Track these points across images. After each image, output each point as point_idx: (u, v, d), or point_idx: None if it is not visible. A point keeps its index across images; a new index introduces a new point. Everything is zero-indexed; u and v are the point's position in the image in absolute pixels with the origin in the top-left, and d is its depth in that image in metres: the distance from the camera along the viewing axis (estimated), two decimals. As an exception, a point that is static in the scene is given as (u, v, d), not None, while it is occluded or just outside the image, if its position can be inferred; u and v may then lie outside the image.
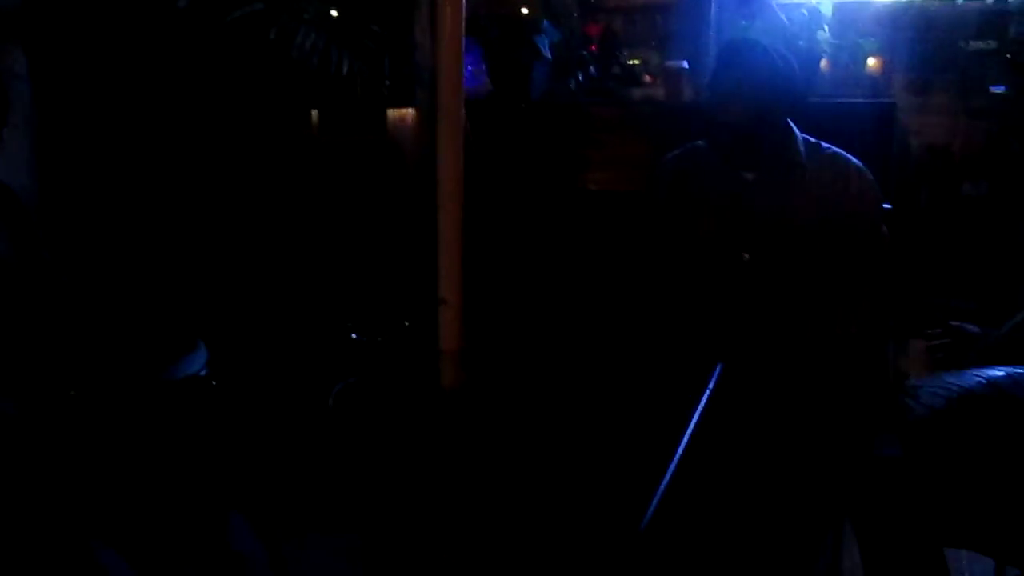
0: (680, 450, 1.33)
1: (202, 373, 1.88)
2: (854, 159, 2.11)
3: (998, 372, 1.34)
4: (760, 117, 2.03)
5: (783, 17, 3.28)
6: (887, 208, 2.18)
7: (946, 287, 3.51)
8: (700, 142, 2.23)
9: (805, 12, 3.30)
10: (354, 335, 1.65)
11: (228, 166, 3.21)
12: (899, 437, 1.50)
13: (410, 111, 3.34)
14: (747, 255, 2.09)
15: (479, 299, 2.00)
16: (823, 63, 3.30)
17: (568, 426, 1.50)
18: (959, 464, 1.31)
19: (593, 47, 3.60)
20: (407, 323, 1.64)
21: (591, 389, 1.70)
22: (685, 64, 3.32)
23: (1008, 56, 3.46)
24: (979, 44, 3.52)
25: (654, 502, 1.20)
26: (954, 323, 1.83)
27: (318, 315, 2.71)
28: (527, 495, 1.28)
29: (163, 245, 3.11)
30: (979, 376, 1.34)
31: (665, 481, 1.24)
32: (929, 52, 3.53)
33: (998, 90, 3.48)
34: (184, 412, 1.76)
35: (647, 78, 3.55)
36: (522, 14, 3.51)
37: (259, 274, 3.09)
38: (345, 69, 3.01)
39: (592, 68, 3.51)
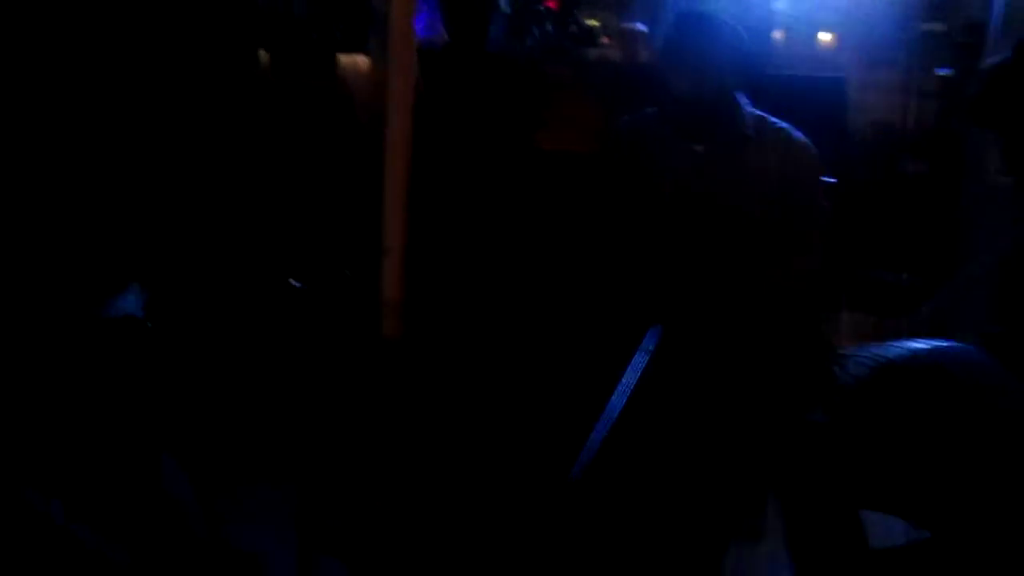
0: (615, 406, 1.36)
1: (137, 314, 1.85)
2: (799, 133, 2.15)
3: (920, 344, 1.38)
4: (709, 91, 2.05)
5: (739, -13, 3.28)
6: (831, 182, 2.22)
7: (882, 261, 3.61)
8: (652, 109, 2.24)
9: (762, -17, 3.31)
10: (294, 282, 1.63)
11: (170, 102, 3.11)
12: (825, 405, 1.54)
13: (362, 57, 3.27)
14: (694, 225, 2.11)
15: (423, 250, 1.99)
16: (777, 35, 3.32)
17: (508, 378, 1.52)
18: (879, 431, 1.36)
19: (551, 4, 3.58)
20: (349, 272, 1.62)
21: (532, 344, 1.71)
22: (642, 27, 3.32)
23: (956, 39, 3.52)
24: (929, 26, 3.58)
25: (587, 454, 1.23)
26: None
27: (258, 261, 2.67)
28: (465, 444, 1.29)
29: (100, 184, 3.01)
30: (901, 347, 1.39)
31: (599, 434, 1.27)
32: (881, 30, 3.58)
33: (944, 72, 3.55)
34: (117, 352, 1.73)
35: (604, 39, 3.55)
36: (481, -36, 3.44)
37: (199, 217, 3.02)
38: (297, 10, 2.94)
39: (549, 26, 3.49)
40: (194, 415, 1.38)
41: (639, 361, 1.54)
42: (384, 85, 1.87)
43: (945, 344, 1.39)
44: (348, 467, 1.29)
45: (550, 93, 3.25)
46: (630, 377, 1.47)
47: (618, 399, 1.38)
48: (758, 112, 2.15)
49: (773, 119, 2.16)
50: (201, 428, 1.35)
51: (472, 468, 1.24)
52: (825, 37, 3.46)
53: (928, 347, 1.38)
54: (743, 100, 2.14)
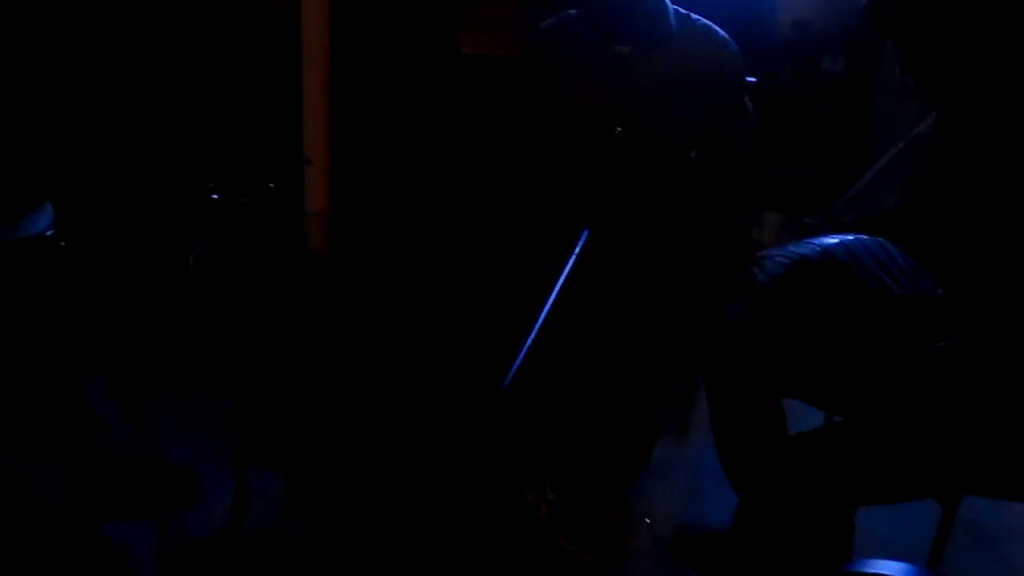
0: (544, 311, 1.38)
1: (48, 233, 1.78)
2: (721, 31, 2.14)
3: (832, 240, 1.44)
4: None
5: None
6: (753, 81, 2.23)
7: (800, 160, 3.68)
8: (573, 12, 2.20)
9: None
10: (215, 195, 1.58)
11: (75, 9, 2.92)
12: (746, 301, 1.59)
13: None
14: (620, 128, 2.11)
15: (347, 160, 1.95)
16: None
17: (436, 289, 1.52)
18: (795, 324, 1.41)
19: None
20: (272, 184, 1.58)
21: (460, 252, 1.71)
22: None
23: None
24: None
25: (517, 361, 1.24)
26: None
27: (176, 174, 2.58)
28: (394, 356, 1.29)
29: (5, 100, 2.84)
30: (815, 244, 1.44)
31: (528, 341, 1.29)
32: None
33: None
34: (30, 273, 1.67)
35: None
36: None
37: (112, 129, 2.88)
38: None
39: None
40: (118, 332, 1.35)
41: (566, 265, 1.56)
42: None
43: (852, 238, 1.44)
44: (279, 378, 1.28)
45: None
46: (558, 282, 1.48)
47: (546, 304, 1.40)
48: (681, 10, 2.13)
49: (695, 16, 2.14)
50: (126, 344, 1.32)
51: (404, 377, 1.24)
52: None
53: (838, 241, 1.43)
54: None
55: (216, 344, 1.30)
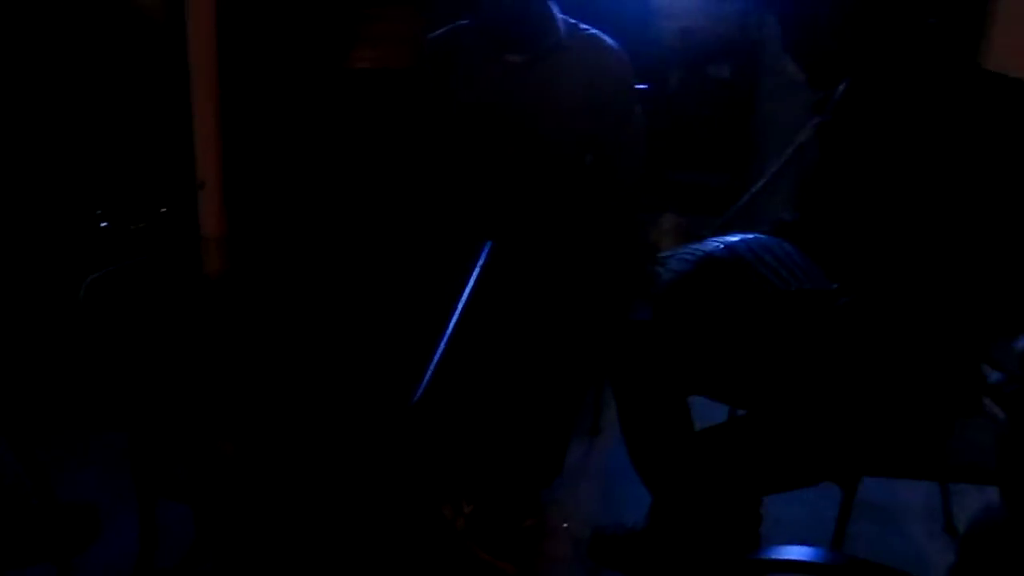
0: (451, 325, 1.38)
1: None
2: (610, 39, 2.19)
3: (735, 238, 1.49)
4: (523, 1, 2.05)
5: None
6: (643, 88, 2.29)
7: (691, 163, 3.79)
8: (465, 22, 2.21)
9: None
10: (104, 223, 1.52)
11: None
12: (650, 303, 1.63)
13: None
14: (515, 138, 2.13)
15: (242, 183, 1.91)
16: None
17: (341, 308, 1.50)
18: (699, 321, 1.45)
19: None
20: (164, 208, 1.53)
21: (361, 270, 1.69)
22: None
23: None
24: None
25: (426, 377, 1.24)
26: None
27: (62, 201, 2.47)
28: (297, 378, 1.27)
29: None
30: (719, 242, 1.48)
31: (437, 356, 1.28)
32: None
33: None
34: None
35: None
36: None
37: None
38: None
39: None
40: (3, 368, 1.28)
41: (471, 277, 1.56)
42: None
43: (752, 237, 1.49)
44: (180, 407, 1.24)
45: (363, 9, 3.14)
46: (463, 294, 1.49)
47: (452, 317, 1.40)
48: (570, 19, 2.17)
49: (584, 26, 2.18)
50: (13, 381, 1.26)
51: (310, 398, 1.23)
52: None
53: (740, 240, 1.48)
54: (555, 8, 2.15)
55: (110, 375, 1.25)
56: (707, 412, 1.78)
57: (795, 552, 1.13)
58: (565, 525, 2.11)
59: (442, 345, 1.31)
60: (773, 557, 1.14)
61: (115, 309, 1.43)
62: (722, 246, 1.47)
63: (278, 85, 2.75)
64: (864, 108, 1.45)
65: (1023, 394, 0.58)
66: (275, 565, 1.75)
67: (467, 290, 1.50)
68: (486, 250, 1.70)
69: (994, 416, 1.77)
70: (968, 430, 1.69)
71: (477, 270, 1.60)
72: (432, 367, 1.25)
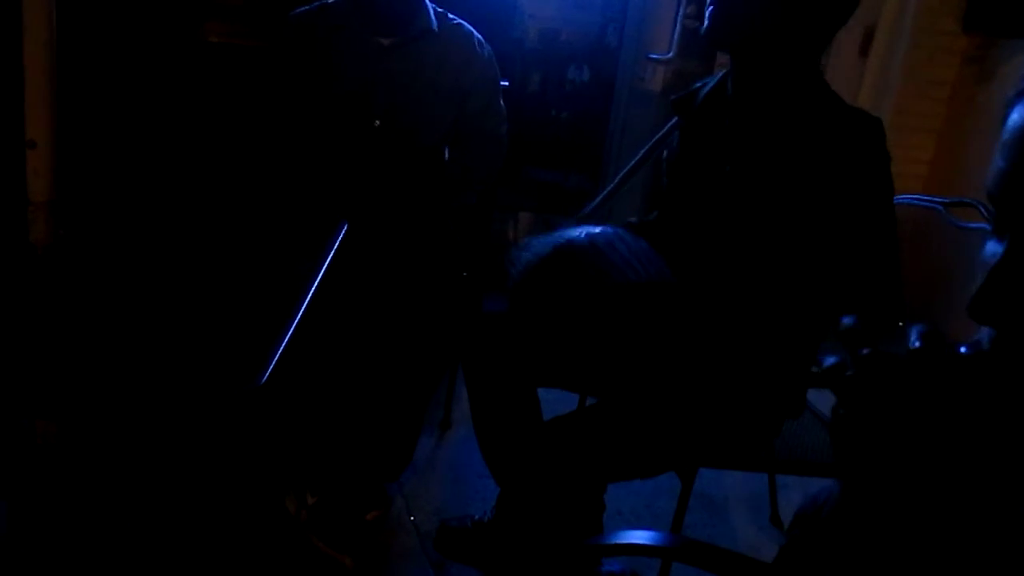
0: (300, 307, 1.33)
1: None
2: (477, 33, 2.19)
3: (596, 228, 1.51)
4: None
5: None
6: (505, 84, 2.30)
7: (548, 162, 3.86)
8: (331, 1, 2.15)
9: None
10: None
11: None
12: (505, 295, 1.63)
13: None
14: (378, 121, 2.09)
15: (78, 145, 1.77)
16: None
17: (182, 284, 1.42)
18: (550, 307, 1.47)
19: None
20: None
21: (209, 246, 1.61)
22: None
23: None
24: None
25: (274, 357, 1.19)
26: None
27: None
28: (137, 357, 1.19)
29: None
30: (581, 230, 1.50)
31: (286, 336, 1.23)
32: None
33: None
34: None
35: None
36: None
37: None
38: None
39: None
40: None
41: (324, 259, 1.52)
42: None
43: (612, 229, 1.52)
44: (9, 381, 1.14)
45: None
46: (315, 276, 1.44)
47: (303, 299, 1.35)
48: (439, 8, 2.16)
49: (452, 15, 2.18)
50: None
51: (143, 378, 1.15)
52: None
53: (601, 231, 1.50)
54: None
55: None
56: (559, 406, 1.82)
57: (636, 536, 1.16)
58: (412, 517, 2.09)
59: (291, 326, 1.26)
60: (616, 541, 1.17)
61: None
62: (584, 234, 1.49)
63: (125, 48, 2.59)
64: (731, 114, 1.51)
65: (863, 377, 0.61)
66: (98, 560, 1.64)
67: (319, 271, 1.45)
68: (341, 232, 1.66)
69: (816, 413, 1.90)
70: (790, 426, 1.81)
71: (331, 252, 1.55)
72: (279, 349, 1.20)
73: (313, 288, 1.41)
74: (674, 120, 1.67)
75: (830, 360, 0.66)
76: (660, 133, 1.73)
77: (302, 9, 2.17)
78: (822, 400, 1.92)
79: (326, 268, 1.51)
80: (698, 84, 1.62)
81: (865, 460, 0.63)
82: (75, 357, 1.17)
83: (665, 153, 1.72)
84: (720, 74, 1.57)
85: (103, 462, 1.62)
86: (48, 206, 1.58)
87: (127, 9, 2.61)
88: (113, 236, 1.57)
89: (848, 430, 0.63)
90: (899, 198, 1.54)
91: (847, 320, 0.64)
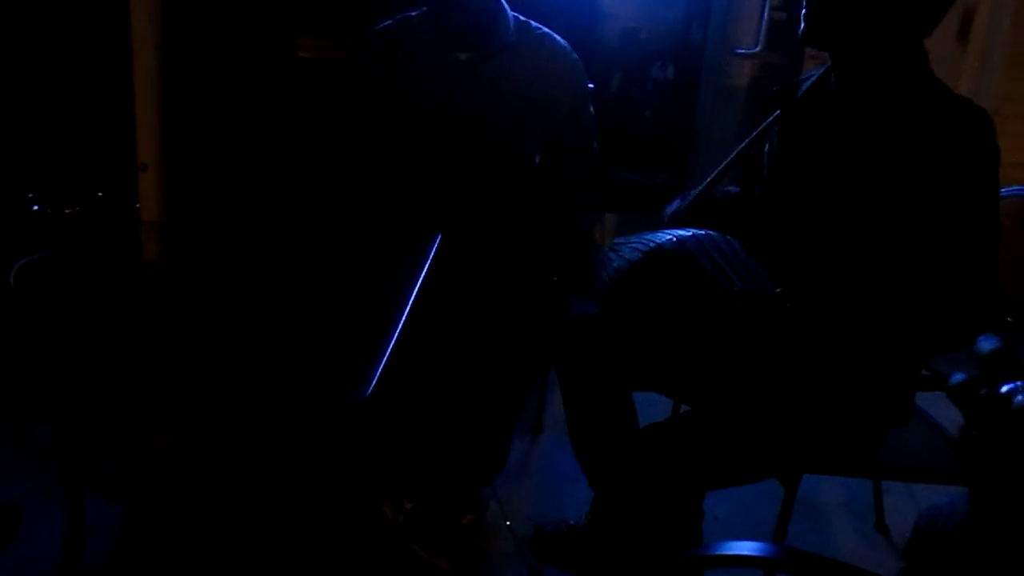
0: (401, 319, 1.35)
1: None
2: (561, 39, 2.18)
3: (686, 233, 1.49)
4: None
5: None
6: (591, 88, 2.29)
7: (632, 163, 3.82)
8: (413, 13, 2.17)
9: None
10: (36, 206, 1.45)
11: None
12: (596, 298, 1.63)
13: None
14: (464, 133, 2.11)
15: (184, 165, 1.84)
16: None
17: (285, 299, 1.46)
18: (644, 314, 1.45)
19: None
20: (101, 192, 1.47)
21: (309, 261, 1.65)
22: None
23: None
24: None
25: (377, 370, 1.21)
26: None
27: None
28: (244, 370, 1.23)
29: None
30: (671, 235, 1.49)
31: (388, 348, 1.26)
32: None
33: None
34: None
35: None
36: None
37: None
38: None
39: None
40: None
41: (421, 271, 1.54)
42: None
43: (704, 233, 1.50)
44: (111, 398, 1.19)
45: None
46: (413, 288, 1.46)
47: (403, 311, 1.37)
48: (521, 17, 2.16)
49: (535, 24, 2.17)
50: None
51: (250, 391, 1.18)
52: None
53: (691, 234, 1.48)
54: (505, 6, 2.13)
55: (38, 364, 1.19)
56: (652, 408, 1.80)
57: (740, 547, 1.13)
58: (508, 523, 2.10)
59: (391, 339, 1.29)
60: (718, 553, 1.15)
61: (46, 296, 1.36)
62: (674, 239, 1.47)
63: (221, 68, 2.68)
64: (832, 108, 1.48)
65: (994, 396, 0.58)
66: (208, 564, 1.70)
67: (416, 284, 1.48)
68: (435, 243, 1.68)
69: (925, 417, 1.83)
70: (895, 429, 1.75)
71: (426, 263, 1.58)
72: (381, 362, 1.22)
73: (411, 300, 1.43)
74: (776, 114, 1.63)
75: (958, 377, 0.64)
76: (758, 129, 1.69)
77: (384, 24, 2.20)
78: (929, 403, 1.85)
79: (422, 280, 1.53)
80: (802, 76, 1.60)
81: (999, 481, 0.60)
82: (186, 372, 1.21)
83: (767, 147, 1.69)
84: (824, 68, 1.54)
85: (214, 470, 1.68)
86: (158, 226, 1.66)
87: (226, 29, 2.70)
88: (221, 253, 1.63)
89: (981, 451, 0.61)
90: (1003, 190, 1.47)
91: (986, 344, 0.62)
